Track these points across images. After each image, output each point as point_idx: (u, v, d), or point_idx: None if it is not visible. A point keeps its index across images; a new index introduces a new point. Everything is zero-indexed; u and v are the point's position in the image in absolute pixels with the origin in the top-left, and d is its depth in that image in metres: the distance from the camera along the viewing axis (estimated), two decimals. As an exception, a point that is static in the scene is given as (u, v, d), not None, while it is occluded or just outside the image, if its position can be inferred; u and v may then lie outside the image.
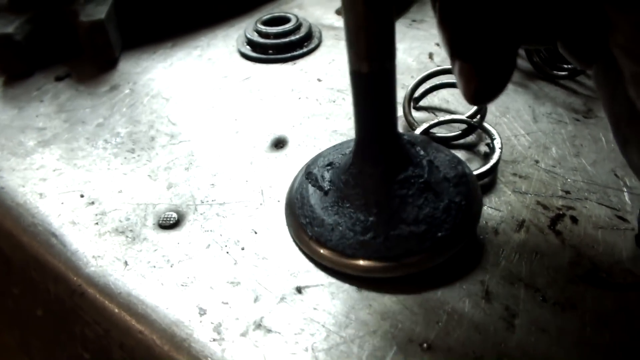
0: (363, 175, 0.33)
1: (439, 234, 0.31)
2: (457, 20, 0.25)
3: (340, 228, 0.32)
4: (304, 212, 0.34)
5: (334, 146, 0.39)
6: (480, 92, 0.26)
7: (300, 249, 0.34)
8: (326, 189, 0.34)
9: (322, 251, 0.32)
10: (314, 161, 0.37)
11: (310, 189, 0.35)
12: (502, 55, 0.25)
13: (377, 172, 0.32)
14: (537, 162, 0.39)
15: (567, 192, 0.37)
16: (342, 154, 0.36)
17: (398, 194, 0.32)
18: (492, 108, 0.45)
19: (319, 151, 0.41)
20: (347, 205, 0.33)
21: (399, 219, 0.31)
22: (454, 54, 0.26)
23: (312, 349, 0.28)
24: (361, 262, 0.31)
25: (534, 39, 0.28)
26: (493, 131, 0.39)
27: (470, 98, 0.26)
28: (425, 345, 0.28)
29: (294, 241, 0.34)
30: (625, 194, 0.36)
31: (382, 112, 0.31)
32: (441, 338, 0.28)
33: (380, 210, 0.32)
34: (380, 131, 0.32)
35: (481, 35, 0.25)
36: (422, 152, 0.35)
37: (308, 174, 0.36)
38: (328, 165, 0.36)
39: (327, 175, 0.35)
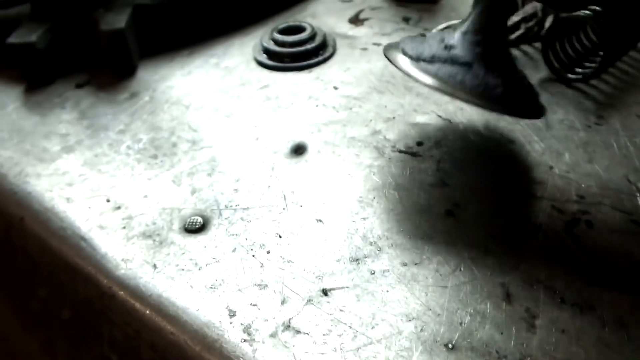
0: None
1: None
2: None
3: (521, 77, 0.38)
4: (476, 90, 0.36)
5: (410, 40, 0.40)
6: None
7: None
8: (471, 60, 0.37)
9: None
10: (423, 52, 0.38)
11: (451, 69, 0.37)
12: None
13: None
14: (551, 167, 0.40)
15: (582, 197, 0.38)
16: (442, 39, 0.38)
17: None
18: (505, 115, 0.46)
19: (338, 157, 0.42)
20: (499, 63, 0.37)
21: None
22: None
23: (341, 349, 0.29)
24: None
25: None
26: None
27: None
28: (450, 345, 0.29)
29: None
30: (639, 199, 0.37)
31: None
32: (465, 338, 0.29)
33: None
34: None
35: None
36: None
37: (447, 47, 0.37)
38: (446, 49, 0.37)
39: (457, 45, 0.37)
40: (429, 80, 0.36)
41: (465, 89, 0.36)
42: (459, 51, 0.37)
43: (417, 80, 0.37)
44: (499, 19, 0.38)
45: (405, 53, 0.38)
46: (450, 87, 0.36)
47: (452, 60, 0.36)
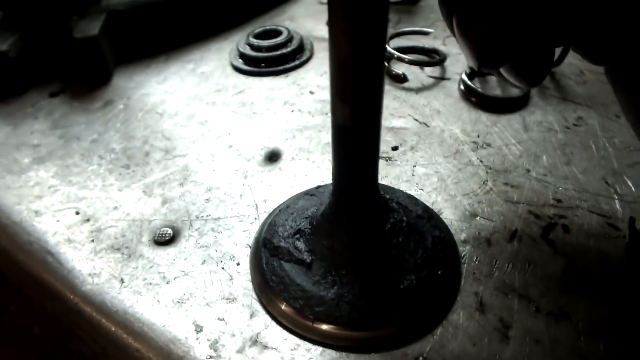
0: (352, 234, 0.31)
1: (439, 272, 0.31)
2: (478, 32, 0.26)
3: (347, 299, 0.29)
4: (292, 294, 0.30)
5: (285, 209, 0.36)
6: (529, 82, 0.29)
7: (302, 336, 0.29)
8: (308, 261, 0.31)
9: (336, 331, 0.29)
10: (270, 233, 0.34)
11: (286, 265, 0.31)
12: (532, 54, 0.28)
13: (367, 227, 0.31)
14: (528, 171, 0.40)
15: (559, 201, 0.37)
16: (306, 217, 0.34)
17: (392, 244, 0.31)
18: (482, 118, 0.45)
19: (312, 164, 0.41)
20: (343, 272, 0.30)
21: (402, 270, 0.30)
22: (480, 64, 0.27)
23: (309, 364, 0.28)
24: (389, 329, 0.29)
25: (549, 40, 0.29)
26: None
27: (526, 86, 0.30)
28: (420, 358, 0.28)
29: (288, 329, 0.30)
30: (616, 201, 0.37)
31: (369, 165, 0.29)
32: (436, 351, 0.28)
33: (381, 267, 0.30)
34: (367, 185, 0.30)
35: (505, 42, 0.26)
36: (387, 195, 0.34)
37: (275, 250, 0.32)
38: (296, 234, 0.33)
39: (300, 245, 0.32)
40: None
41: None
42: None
43: None
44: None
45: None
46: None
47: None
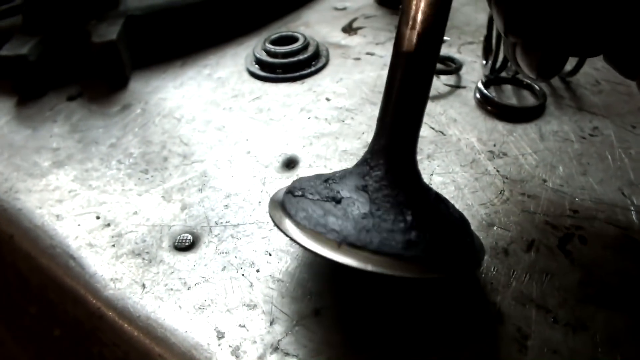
0: (389, 175, 0.30)
1: (468, 240, 0.30)
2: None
3: (378, 230, 0.27)
4: (317, 221, 0.28)
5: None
6: (541, 68, 0.31)
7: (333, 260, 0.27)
8: (338, 197, 0.29)
9: (365, 254, 0.27)
10: (294, 185, 0.32)
11: (312, 203, 0.30)
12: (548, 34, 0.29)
13: (404, 173, 0.30)
14: (544, 181, 0.40)
15: (575, 212, 0.37)
16: (335, 173, 0.33)
17: (428, 196, 0.31)
18: (498, 127, 0.45)
19: (330, 172, 0.42)
20: (375, 208, 0.29)
21: (435, 218, 0.30)
22: (506, 31, 0.30)
23: (330, 371, 0.29)
24: (418, 265, 0.27)
25: (579, 51, 0.31)
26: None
27: (535, 73, 0.31)
28: (440, 367, 0.29)
29: (314, 254, 0.28)
30: (633, 213, 0.37)
31: (421, 99, 0.30)
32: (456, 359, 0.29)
33: (416, 211, 0.29)
34: (413, 124, 0.31)
35: (532, 13, 0.28)
36: None
37: (300, 191, 0.31)
38: (325, 181, 0.31)
39: (329, 186, 0.31)
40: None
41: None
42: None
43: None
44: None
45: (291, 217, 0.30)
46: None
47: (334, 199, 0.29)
